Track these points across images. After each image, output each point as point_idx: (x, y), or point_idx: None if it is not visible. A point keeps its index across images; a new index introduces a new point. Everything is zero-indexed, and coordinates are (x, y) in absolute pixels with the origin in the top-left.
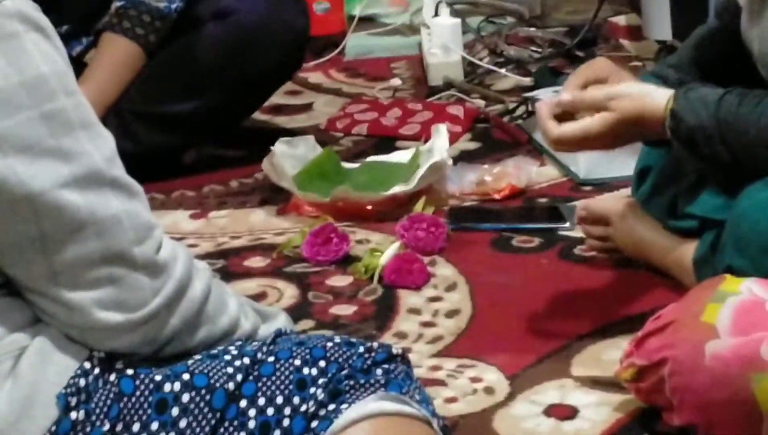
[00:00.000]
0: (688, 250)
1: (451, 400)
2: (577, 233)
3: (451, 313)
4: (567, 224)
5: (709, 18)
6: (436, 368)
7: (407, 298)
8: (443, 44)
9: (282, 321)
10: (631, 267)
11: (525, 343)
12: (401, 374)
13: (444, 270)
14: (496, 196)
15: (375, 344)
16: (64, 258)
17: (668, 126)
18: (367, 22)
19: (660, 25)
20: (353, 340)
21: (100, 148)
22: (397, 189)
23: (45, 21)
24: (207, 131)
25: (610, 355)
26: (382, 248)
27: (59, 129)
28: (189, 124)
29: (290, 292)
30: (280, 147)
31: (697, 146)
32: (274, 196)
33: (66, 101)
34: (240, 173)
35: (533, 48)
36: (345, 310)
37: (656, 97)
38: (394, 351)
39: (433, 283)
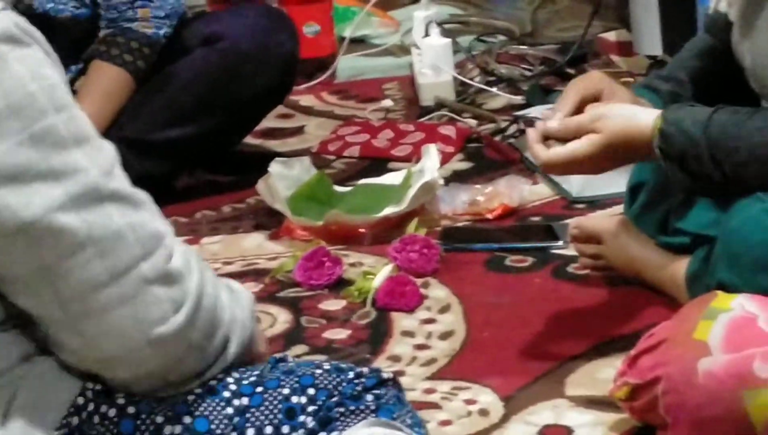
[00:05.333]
0: (681, 266)
1: (446, 423)
2: (571, 252)
3: (445, 335)
4: (560, 243)
5: (698, 32)
6: (430, 391)
7: (401, 321)
8: (434, 64)
9: (245, 298)
10: (625, 285)
11: (519, 363)
12: (392, 399)
13: (437, 291)
14: (489, 216)
15: (365, 370)
16: (69, 284)
17: (657, 145)
18: (358, 43)
19: (650, 41)
20: (343, 365)
21: (97, 161)
22: (389, 210)
23: (34, 33)
24: (198, 157)
25: (604, 374)
26: (374, 271)
27: (50, 148)
28: (180, 150)
29: (283, 317)
30: (275, 167)
31: (687, 165)
32: (266, 221)
33: (56, 118)
34: (232, 198)
35: (524, 66)
36: (338, 334)
37: (642, 117)
38: (385, 376)
39: (426, 305)
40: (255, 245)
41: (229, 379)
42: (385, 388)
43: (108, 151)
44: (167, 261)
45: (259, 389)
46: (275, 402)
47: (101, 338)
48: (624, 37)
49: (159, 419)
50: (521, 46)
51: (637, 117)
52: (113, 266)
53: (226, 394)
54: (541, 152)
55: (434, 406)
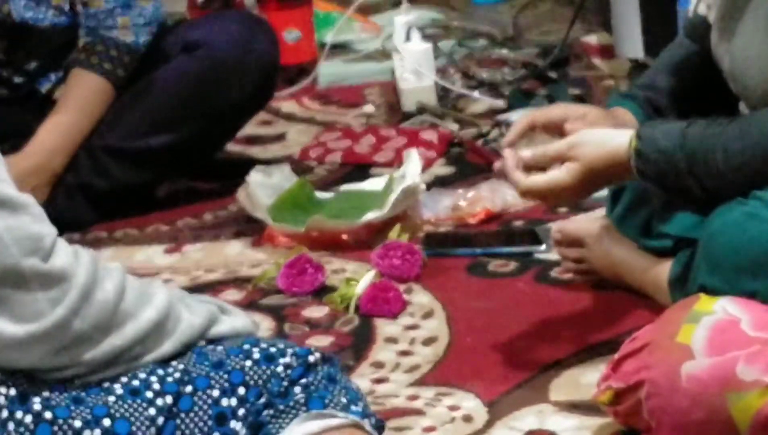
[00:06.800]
0: (664, 269)
1: (430, 429)
2: (554, 256)
3: (428, 341)
4: (543, 247)
5: (678, 35)
6: (413, 398)
7: (384, 327)
8: (415, 69)
9: (240, 321)
10: (608, 288)
11: (503, 368)
12: (322, 382)
13: (420, 297)
14: (472, 221)
15: (293, 358)
16: None
17: (634, 166)
18: (339, 49)
19: (632, 43)
20: (273, 350)
21: None
22: (371, 215)
23: None
24: (180, 165)
25: (588, 378)
26: (357, 277)
27: None
28: (161, 159)
29: (266, 325)
30: (255, 175)
31: (666, 181)
32: (248, 228)
33: None
34: (214, 205)
35: (506, 70)
36: (322, 341)
37: (617, 140)
38: (312, 359)
39: (409, 311)
40: (237, 253)
41: (153, 378)
42: (313, 374)
43: None
44: (45, 260)
45: (188, 389)
46: (205, 407)
47: None
48: (605, 40)
49: (77, 424)
50: (502, 51)
51: (612, 140)
52: None
53: (149, 394)
54: (520, 179)
55: (418, 412)
